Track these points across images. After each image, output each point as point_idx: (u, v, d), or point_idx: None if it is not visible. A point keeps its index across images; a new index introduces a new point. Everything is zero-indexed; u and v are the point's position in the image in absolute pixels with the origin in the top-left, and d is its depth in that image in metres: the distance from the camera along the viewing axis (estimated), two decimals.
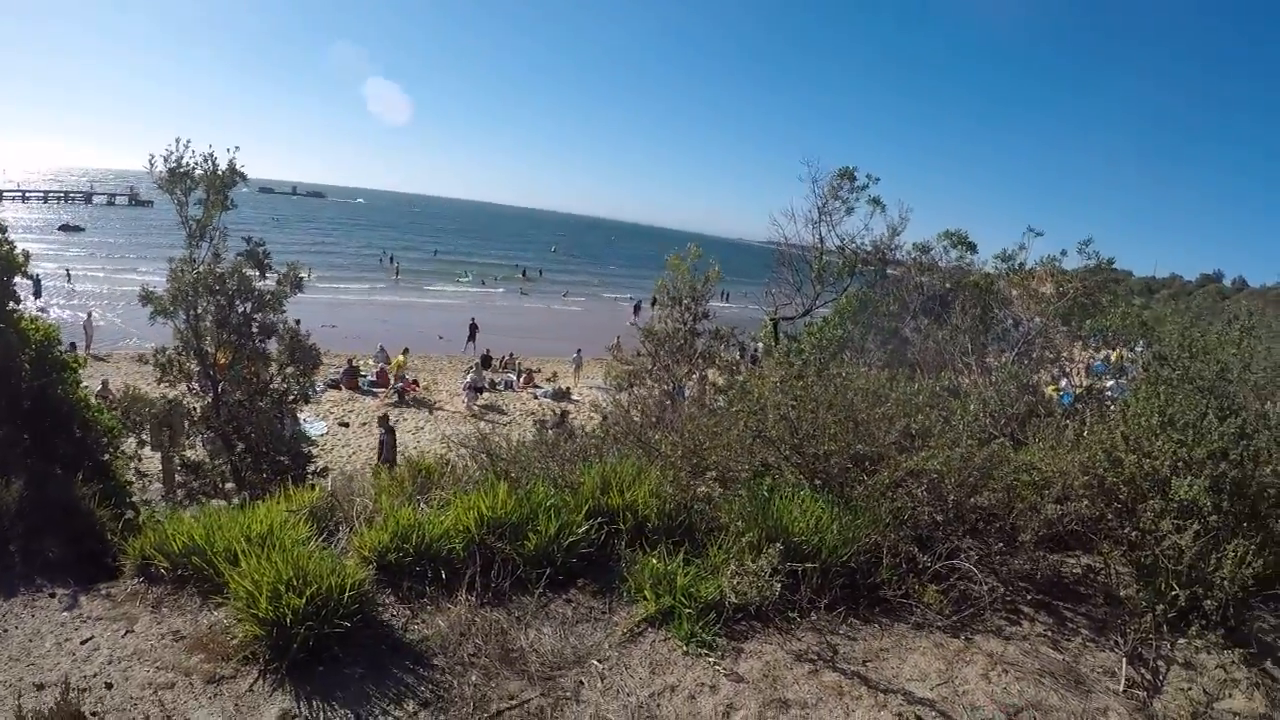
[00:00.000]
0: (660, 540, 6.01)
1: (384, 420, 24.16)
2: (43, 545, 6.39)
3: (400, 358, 38.35)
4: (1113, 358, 16.31)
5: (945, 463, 6.43)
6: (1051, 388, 14.27)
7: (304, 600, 4.77)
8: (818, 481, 6.95)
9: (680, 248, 17.20)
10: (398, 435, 27.94)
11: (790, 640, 5.49)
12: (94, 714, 4.45)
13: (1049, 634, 5.97)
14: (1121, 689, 5.35)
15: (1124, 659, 5.61)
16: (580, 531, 5.94)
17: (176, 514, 7.09)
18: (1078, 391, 13.30)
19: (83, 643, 5.22)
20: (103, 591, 5.88)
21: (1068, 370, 15.07)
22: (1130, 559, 6.32)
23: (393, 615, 5.34)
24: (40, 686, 4.74)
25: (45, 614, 5.61)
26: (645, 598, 5.53)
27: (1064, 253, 16.89)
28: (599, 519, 6.14)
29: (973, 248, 18.42)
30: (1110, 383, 14.25)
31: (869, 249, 18.94)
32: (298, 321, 39.17)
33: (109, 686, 4.74)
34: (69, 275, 55.30)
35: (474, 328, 49.12)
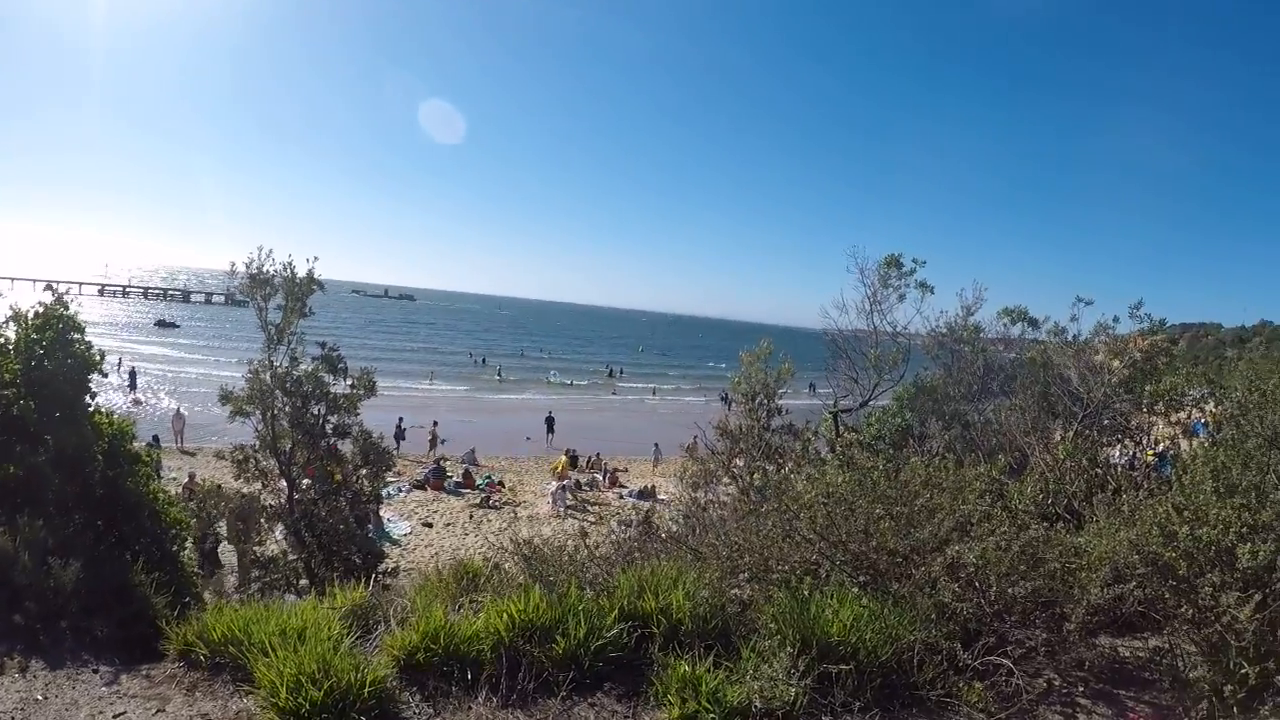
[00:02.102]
0: (693, 643, 5.88)
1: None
2: (93, 624, 6.84)
3: (563, 459, 39.66)
4: (1209, 415, 15.80)
5: (981, 554, 6.23)
6: (1149, 454, 13.91)
7: (323, 693, 4.92)
8: (863, 578, 6.79)
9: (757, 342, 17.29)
10: (479, 537, 28.14)
11: None
12: None
13: None
14: None
15: None
16: (609, 635, 5.90)
17: (219, 605, 7.34)
18: (1148, 456, 12.99)
19: (115, 716, 5.51)
20: (143, 672, 6.19)
21: (1140, 439, 14.57)
22: (1197, 638, 5.86)
23: (414, 713, 5.38)
24: None
25: (85, 687, 5.94)
26: (670, 702, 5.41)
27: (1116, 319, 16.78)
28: (632, 622, 6.09)
29: (1034, 323, 18.20)
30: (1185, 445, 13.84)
31: (944, 330, 18.81)
32: (400, 423, 40.02)
33: None
34: (133, 376, 55.94)
35: (550, 420, 51.88)
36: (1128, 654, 6.57)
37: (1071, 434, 12.92)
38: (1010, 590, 6.20)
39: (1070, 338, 16.78)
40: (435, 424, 44.96)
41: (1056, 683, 5.94)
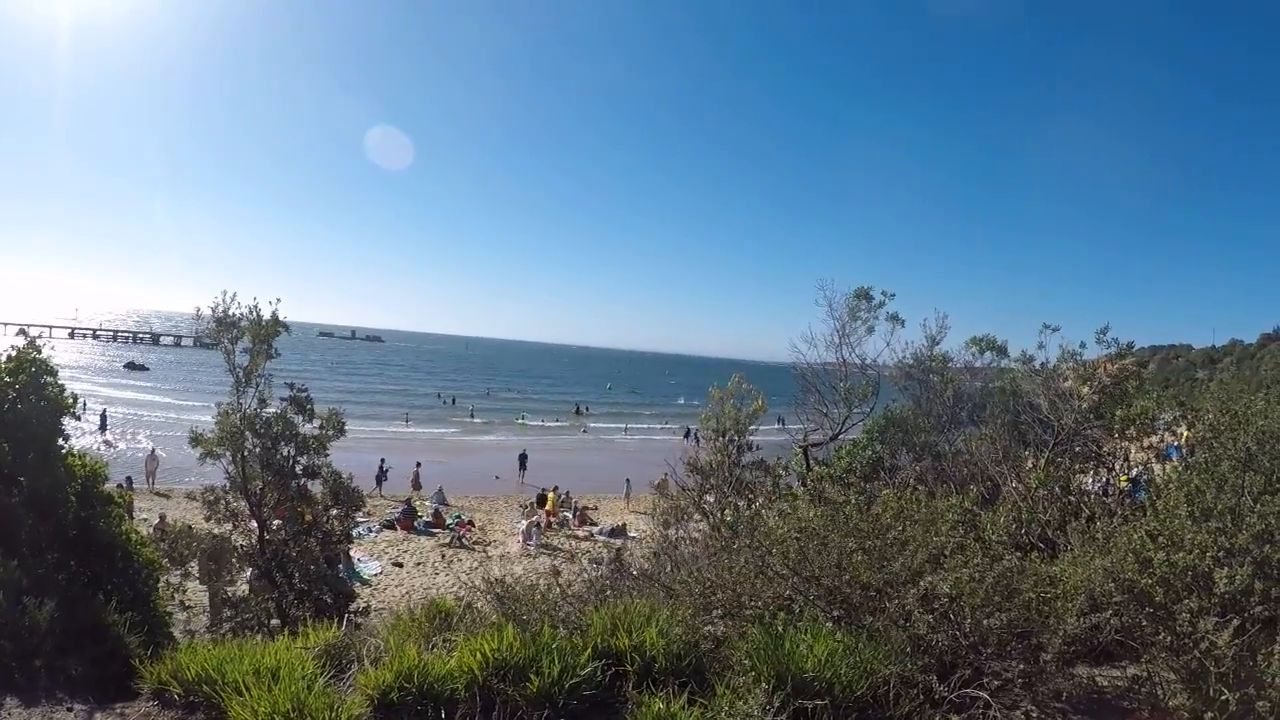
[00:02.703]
0: (668, 681, 5.86)
1: None
2: (67, 663, 6.84)
3: (551, 495, 40.62)
4: (1183, 439, 15.75)
5: (955, 584, 6.18)
6: (1124, 479, 13.91)
7: None
8: (837, 613, 6.73)
9: (727, 377, 17.34)
10: (449, 576, 28.06)
11: None
12: None
13: None
14: None
15: None
16: (583, 673, 5.84)
17: (193, 644, 7.33)
18: (1123, 482, 13.02)
19: None
20: (117, 710, 6.17)
21: (1111, 464, 14.53)
22: (1176, 665, 5.78)
23: None
24: None
25: None
26: None
27: (1083, 345, 16.66)
28: (606, 660, 6.04)
29: (1003, 351, 18.18)
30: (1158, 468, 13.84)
31: (910, 362, 18.82)
32: (383, 464, 39.96)
33: None
34: (104, 418, 55.63)
35: (524, 458, 52.88)
36: (1106, 683, 6.46)
37: (1043, 462, 12.94)
38: (985, 621, 6.13)
39: (1039, 365, 16.77)
40: (419, 465, 45.38)
41: (1034, 714, 5.85)
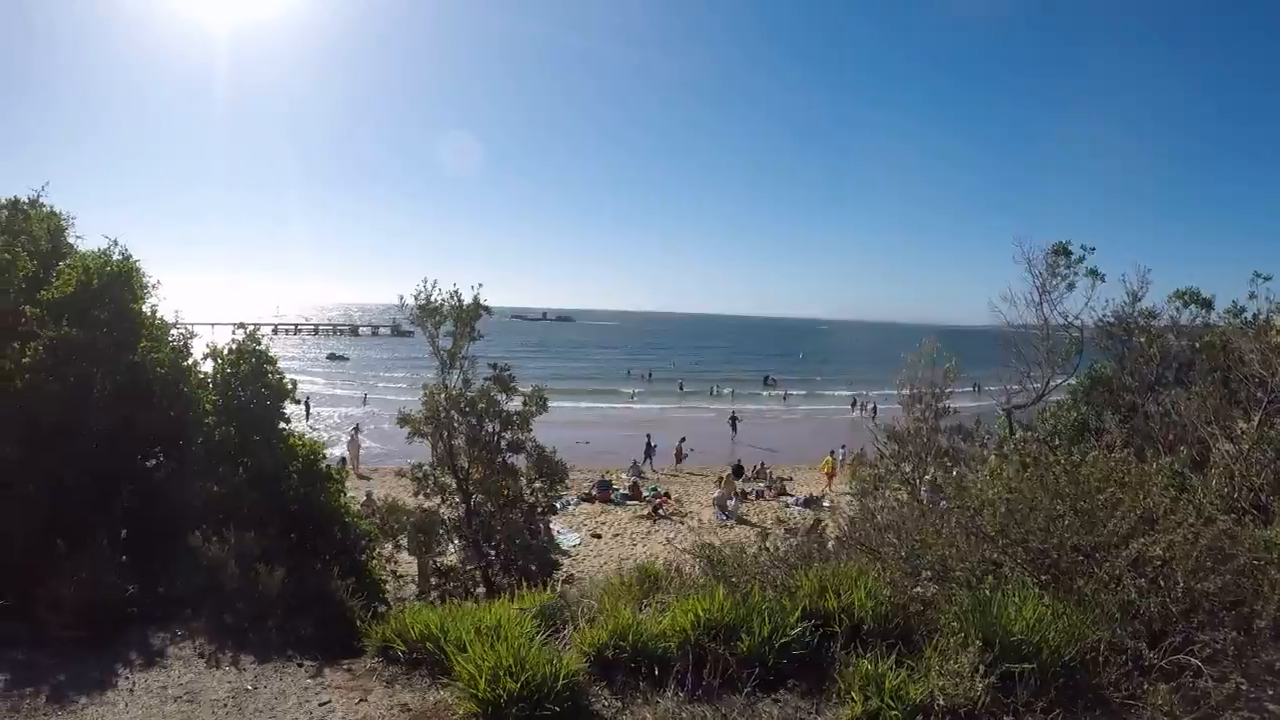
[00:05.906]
0: (875, 642, 5.89)
1: None
2: (297, 624, 7.57)
3: (830, 459, 41.55)
4: None
5: (1168, 548, 6.03)
6: None
7: (519, 685, 5.20)
8: (1045, 577, 6.66)
9: (917, 341, 16.94)
10: (646, 546, 28.36)
11: None
12: None
13: None
14: None
15: None
16: (793, 634, 5.99)
17: (415, 606, 7.75)
18: None
19: (320, 704, 6.07)
20: (345, 666, 6.78)
21: None
22: None
23: (604, 706, 5.60)
24: None
25: (292, 679, 6.57)
26: (852, 699, 5.43)
27: None
28: (814, 621, 6.16)
29: (1208, 305, 17.08)
30: None
31: (1111, 320, 17.99)
32: (649, 439, 40.47)
33: None
34: (307, 406, 56.75)
35: (734, 420, 56.34)
36: None
37: (1256, 422, 12.29)
38: (1198, 587, 5.94)
39: (1251, 317, 15.60)
40: (683, 440, 47.00)
41: (1244, 686, 5.65)
